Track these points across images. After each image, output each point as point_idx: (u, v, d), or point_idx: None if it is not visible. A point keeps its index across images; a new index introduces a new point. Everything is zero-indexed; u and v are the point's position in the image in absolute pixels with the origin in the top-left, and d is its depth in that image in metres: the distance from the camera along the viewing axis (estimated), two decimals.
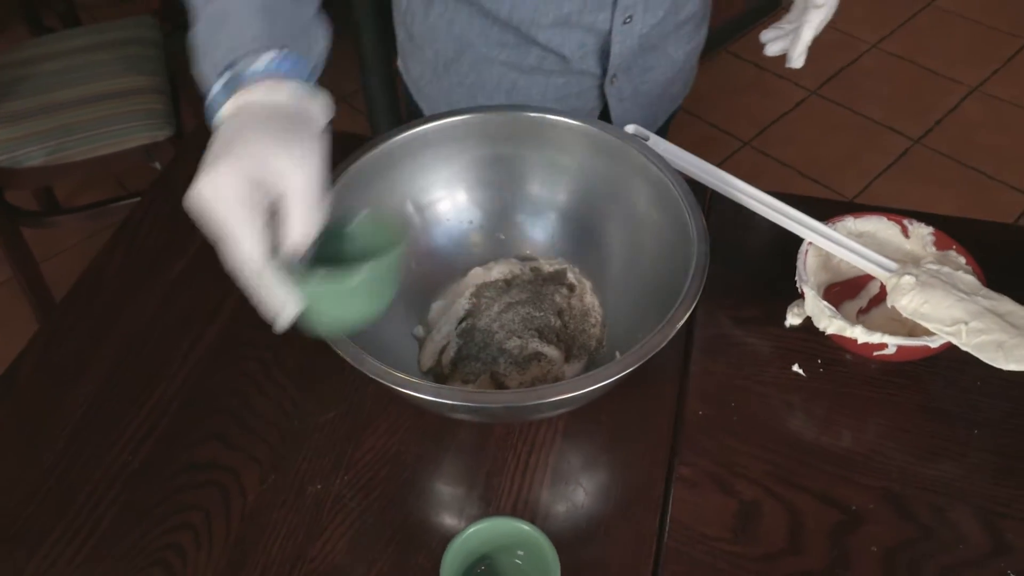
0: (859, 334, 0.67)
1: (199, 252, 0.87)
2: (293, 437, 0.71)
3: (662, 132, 1.06)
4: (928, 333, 0.67)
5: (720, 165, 0.80)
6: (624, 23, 0.84)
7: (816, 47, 0.82)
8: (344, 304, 0.53)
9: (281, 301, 0.50)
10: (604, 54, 0.87)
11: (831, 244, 0.73)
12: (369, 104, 1.93)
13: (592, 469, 0.69)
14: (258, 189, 0.48)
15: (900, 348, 0.67)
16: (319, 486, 0.68)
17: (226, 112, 0.52)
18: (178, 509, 0.67)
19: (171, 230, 0.90)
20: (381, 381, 0.58)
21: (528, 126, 0.76)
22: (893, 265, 0.71)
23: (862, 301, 0.77)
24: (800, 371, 0.74)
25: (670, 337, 0.60)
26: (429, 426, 0.71)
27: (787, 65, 0.82)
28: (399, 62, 1.01)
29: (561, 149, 0.76)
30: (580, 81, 0.90)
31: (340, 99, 2.65)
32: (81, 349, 0.78)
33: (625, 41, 0.86)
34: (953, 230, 0.75)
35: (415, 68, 0.96)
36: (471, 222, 0.80)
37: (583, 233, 0.79)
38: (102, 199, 1.70)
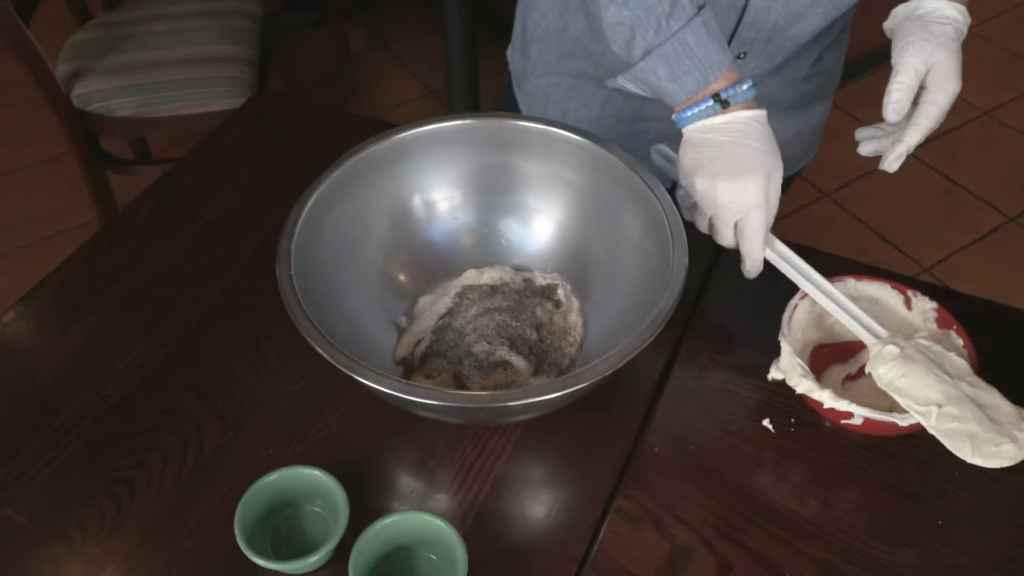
0: (825, 398, 0.65)
1: (225, 211, 0.91)
2: (260, 401, 0.74)
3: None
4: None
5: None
6: (738, 58, 0.82)
7: None
8: None
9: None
10: None
11: (825, 298, 0.70)
12: (451, 99, 1.97)
13: (534, 485, 0.69)
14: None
15: (867, 420, 0.64)
16: (271, 451, 0.70)
17: (719, 121, 0.67)
18: (139, 448, 0.70)
19: (204, 187, 0.94)
20: (328, 358, 0.60)
21: (538, 137, 0.76)
22: (883, 332, 0.68)
23: (852, 367, 0.74)
24: (769, 426, 0.72)
25: (617, 367, 0.59)
26: (388, 415, 0.72)
27: (881, 167, 0.74)
28: (508, 52, 1.02)
29: (568, 165, 0.77)
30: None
31: (429, 93, 2.70)
32: (95, 286, 0.84)
33: None
34: (975, 311, 0.71)
35: (519, 62, 0.98)
36: (473, 224, 0.81)
37: (578, 251, 0.79)
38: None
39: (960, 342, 0.68)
